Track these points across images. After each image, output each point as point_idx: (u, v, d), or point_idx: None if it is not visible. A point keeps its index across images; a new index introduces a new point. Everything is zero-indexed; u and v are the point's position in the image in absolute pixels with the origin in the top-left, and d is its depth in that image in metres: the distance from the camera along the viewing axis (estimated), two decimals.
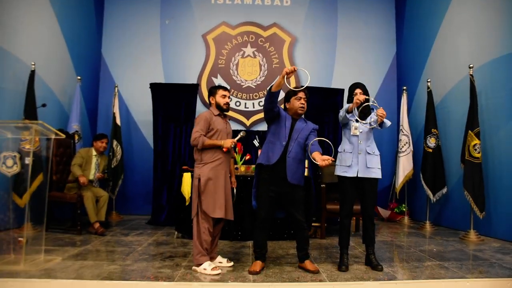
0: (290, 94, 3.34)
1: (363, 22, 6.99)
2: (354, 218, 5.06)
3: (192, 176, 4.21)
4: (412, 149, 5.93)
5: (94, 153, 5.11)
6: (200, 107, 6.33)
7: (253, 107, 6.68)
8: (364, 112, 3.35)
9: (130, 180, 6.43)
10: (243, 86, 6.80)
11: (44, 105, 4.84)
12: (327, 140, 3.07)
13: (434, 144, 5.40)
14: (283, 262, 3.48)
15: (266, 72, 6.83)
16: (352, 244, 4.23)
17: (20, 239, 3.25)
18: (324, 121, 6.04)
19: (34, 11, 5.13)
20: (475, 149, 4.59)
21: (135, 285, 2.82)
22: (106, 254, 3.69)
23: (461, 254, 3.84)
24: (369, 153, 3.29)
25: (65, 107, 5.80)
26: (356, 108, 3.33)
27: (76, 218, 4.69)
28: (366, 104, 3.30)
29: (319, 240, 4.55)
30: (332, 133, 6.04)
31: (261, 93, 6.78)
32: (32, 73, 4.81)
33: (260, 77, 6.83)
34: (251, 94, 6.79)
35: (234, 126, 6.53)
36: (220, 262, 3.34)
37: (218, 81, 6.73)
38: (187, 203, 4.37)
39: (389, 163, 6.49)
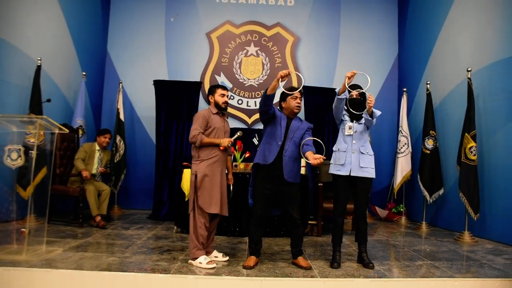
0: (286, 93, 3.41)
1: (365, 23, 7.02)
2: (351, 217, 5.14)
3: None
4: (411, 150, 5.97)
5: (97, 147, 5.20)
6: (202, 105, 6.41)
7: (255, 106, 6.75)
8: (357, 103, 3.37)
9: (133, 175, 6.53)
10: (246, 85, 6.88)
11: (48, 100, 4.94)
12: (319, 140, 3.13)
13: (432, 146, 5.44)
14: (277, 258, 3.56)
15: (268, 71, 6.90)
16: (347, 242, 4.31)
17: (23, 230, 3.34)
18: (325, 121, 6.12)
19: (41, 7, 5.23)
20: (471, 152, 4.62)
21: (132, 276, 2.91)
22: (106, 247, 3.79)
23: (453, 255, 3.90)
24: (362, 153, 3.36)
25: (70, 102, 5.91)
26: (347, 89, 3.24)
27: (78, 211, 4.81)
28: (359, 91, 3.34)
29: (315, 238, 4.63)
30: (332, 133, 6.11)
31: (263, 92, 6.80)
32: (38, 68, 4.89)
33: (263, 76, 6.89)
34: (253, 93, 6.87)
35: (236, 124, 6.65)
36: (215, 257, 3.44)
37: (221, 79, 6.81)
38: (186, 199, 4.44)
39: (388, 163, 6.55)
